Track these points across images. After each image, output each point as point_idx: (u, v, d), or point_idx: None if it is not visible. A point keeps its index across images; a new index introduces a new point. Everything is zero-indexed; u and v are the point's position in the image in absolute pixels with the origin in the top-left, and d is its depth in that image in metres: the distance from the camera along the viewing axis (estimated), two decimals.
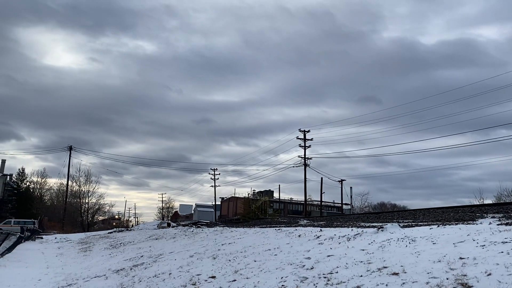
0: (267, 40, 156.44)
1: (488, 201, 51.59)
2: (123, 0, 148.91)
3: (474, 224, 12.07)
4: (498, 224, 10.95)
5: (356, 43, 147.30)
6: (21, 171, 66.84)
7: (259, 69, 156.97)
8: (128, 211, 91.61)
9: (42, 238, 37.33)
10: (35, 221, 44.13)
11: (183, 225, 43.28)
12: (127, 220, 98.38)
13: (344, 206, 65.86)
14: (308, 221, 27.22)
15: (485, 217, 14.12)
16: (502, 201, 43.64)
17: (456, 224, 12.40)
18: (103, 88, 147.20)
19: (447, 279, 6.24)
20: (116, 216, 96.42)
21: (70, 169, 65.22)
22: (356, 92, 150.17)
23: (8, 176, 66.00)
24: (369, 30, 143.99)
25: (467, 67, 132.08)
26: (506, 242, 7.65)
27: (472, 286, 5.72)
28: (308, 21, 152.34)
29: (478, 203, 40.18)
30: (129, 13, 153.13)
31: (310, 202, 66.92)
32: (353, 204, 68.69)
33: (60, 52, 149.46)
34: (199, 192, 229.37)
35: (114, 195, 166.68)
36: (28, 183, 67.89)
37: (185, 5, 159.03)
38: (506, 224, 10.91)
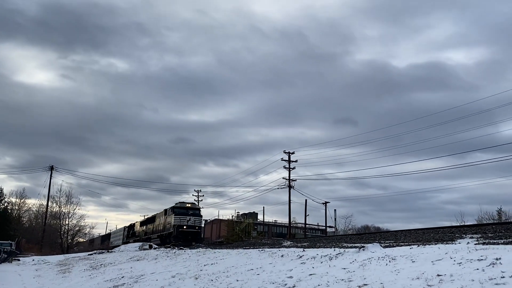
0: (241, 59, 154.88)
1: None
2: (93, 17, 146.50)
3: (453, 244, 12.32)
4: (475, 244, 11.22)
5: (330, 65, 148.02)
6: None
7: (234, 89, 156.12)
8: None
9: (19, 260, 36.20)
10: (12, 242, 42.90)
11: (165, 247, 42.60)
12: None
13: (328, 229, 65.76)
14: (291, 242, 27.14)
15: (464, 238, 14.40)
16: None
17: (436, 244, 12.63)
18: (76, 106, 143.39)
19: None
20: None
21: (50, 190, 63.77)
22: (332, 114, 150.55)
23: None
24: (342, 52, 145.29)
25: (440, 89, 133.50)
26: (482, 259, 7.88)
27: None
28: (281, 42, 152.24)
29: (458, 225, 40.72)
30: (100, 30, 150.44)
31: (294, 225, 66.67)
32: (337, 226, 68.60)
33: (31, 69, 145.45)
34: None
35: (93, 217, 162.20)
36: (5, 204, 66.29)
37: (157, 24, 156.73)
38: (483, 243, 11.20)
